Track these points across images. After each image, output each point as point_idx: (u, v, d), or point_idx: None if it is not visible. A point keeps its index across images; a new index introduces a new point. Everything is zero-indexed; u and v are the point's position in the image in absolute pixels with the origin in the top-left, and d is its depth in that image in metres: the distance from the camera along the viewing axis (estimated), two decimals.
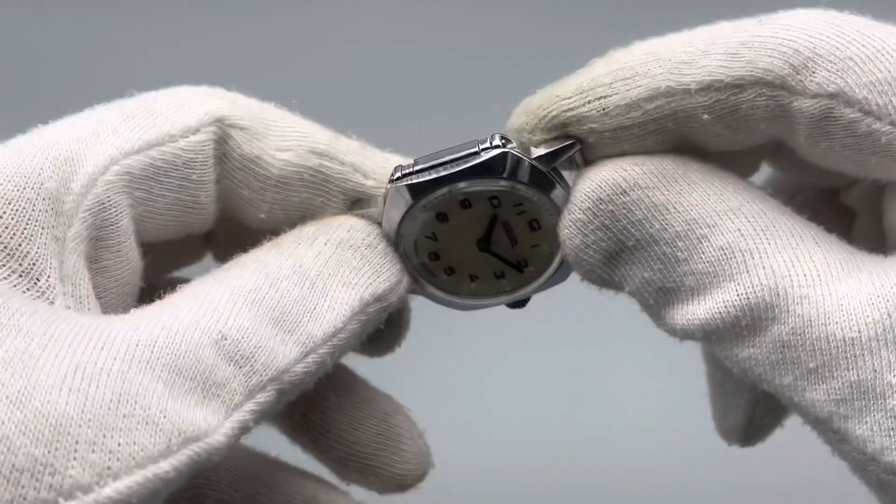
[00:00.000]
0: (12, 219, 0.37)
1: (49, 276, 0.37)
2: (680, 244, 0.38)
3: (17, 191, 0.37)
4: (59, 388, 0.32)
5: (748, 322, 0.37)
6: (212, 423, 0.35)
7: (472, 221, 0.42)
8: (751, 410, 0.45)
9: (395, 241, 0.42)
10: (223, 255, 0.47)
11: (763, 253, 0.37)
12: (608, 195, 0.39)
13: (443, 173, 0.41)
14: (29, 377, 0.32)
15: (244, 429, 0.36)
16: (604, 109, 0.39)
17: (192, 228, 0.43)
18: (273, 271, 0.39)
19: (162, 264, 0.45)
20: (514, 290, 0.44)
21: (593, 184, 0.39)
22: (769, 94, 0.37)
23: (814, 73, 0.36)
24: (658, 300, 0.39)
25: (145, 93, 0.41)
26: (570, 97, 0.39)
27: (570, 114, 0.39)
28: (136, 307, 0.40)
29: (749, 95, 0.37)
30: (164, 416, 0.33)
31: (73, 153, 0.39)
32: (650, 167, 0.39)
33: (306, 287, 0.39)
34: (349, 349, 0.41)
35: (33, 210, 0.37)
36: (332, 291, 0.40)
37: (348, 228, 0.41)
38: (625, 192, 0.38)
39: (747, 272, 0.37)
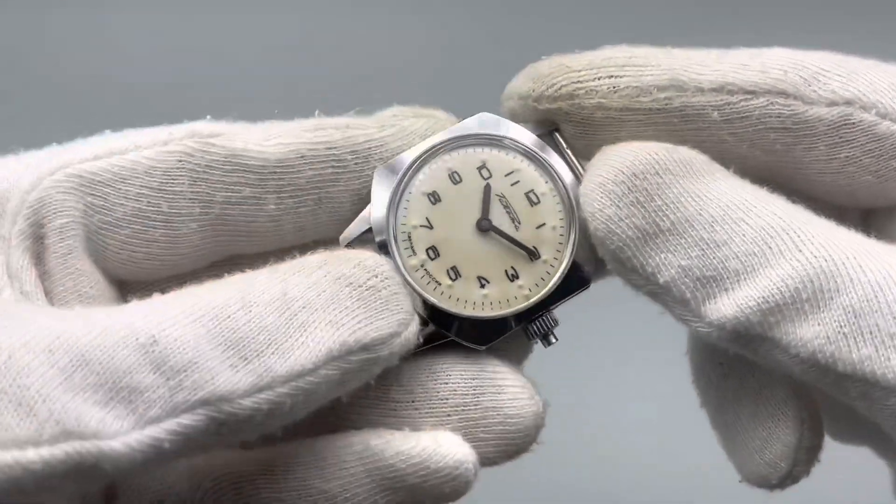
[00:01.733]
0: None
1: None
2: (718, 227, 0.37)
3: None
4: None
5: (809, 295, 0.36)
6: (111, 428, 0.32)
7: (465, 200, 0.41)
8: (800, 427, 0.42)
9: (389, 236, 0.40)
10: None
11: (804, 232, 0.37)
12: (642, 172, 0.38)
13: (429, 143, 0.41)
14: None
15: (159, 449, 0.33)
16: (614, 88, 0.39)
17: (166, 253, 0.41)
18: (254, 294, 0.36)
19: None
20: (534, 294, 0.41)
21: (627, 158, 0.38)
22: (783, 104, 0.38)
23: (825, 83, 0.38)
24: (697, 292, 0.37)
25: None
26: (580, 70, 0.40)
27: (579, 85, 0.40)
28: None
29: (761, 103, 0.39)
30: (43, 402, 0.31)
31: (33, 161, 0.39)
32: (679, 156, 0.38)
33: (285, 317, 0.36)
34: (322, 399, 0.37)
35: None
36: (313, 328, 0.36)
37: (356, 264, 0.38)
38: (657, 173, 0.38)
39: (796, 247, 0.36)
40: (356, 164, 0.41)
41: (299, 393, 0.35)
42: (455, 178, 0.41)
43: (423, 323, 0.40)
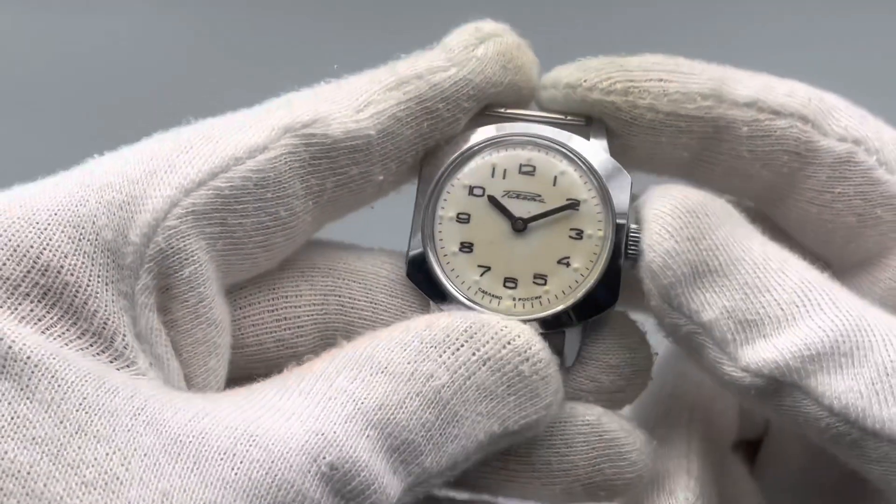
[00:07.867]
0: (72, 275, 0.35)
1: (124, 335, 0.36)
2: (761, 273, 0.38)
3: (73, 243, 0.35)
4: None
5: (846, 349, 0.37)
6: None
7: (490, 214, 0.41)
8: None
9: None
10: None
11: (835, 295, 0.38)
12: (695, 211, 0.39)
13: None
14: None
15: None
16: (664, 91, 0.40)
17: (284, 249, 0.40)
18: (403, 384, 0.36)
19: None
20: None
21: (680, 196, 0.39)
22: (801, 129, 0.41)
23: (839, 119, 0.41)
24: (738, 334, 0.38)
25: (202, 120, 0.39)
26: (633, 70, 0.40)
27: (633, 84, 0.40)
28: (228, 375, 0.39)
29: (783, 124, 0.41)
30: None
31: (127, 197, 0.36)
32: (723, 204, 0.40)
33: (437, 410, 0.36)
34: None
35: (93, 265, 0.35)
36: (464, 421, 0.36)
37: (504, 345, 0.38)
38: (707, 214, 0.39)
39: (833, 303, 0.38)
40: (448, 111, 0.40)
41: (443, 480, 0.37)
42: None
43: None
